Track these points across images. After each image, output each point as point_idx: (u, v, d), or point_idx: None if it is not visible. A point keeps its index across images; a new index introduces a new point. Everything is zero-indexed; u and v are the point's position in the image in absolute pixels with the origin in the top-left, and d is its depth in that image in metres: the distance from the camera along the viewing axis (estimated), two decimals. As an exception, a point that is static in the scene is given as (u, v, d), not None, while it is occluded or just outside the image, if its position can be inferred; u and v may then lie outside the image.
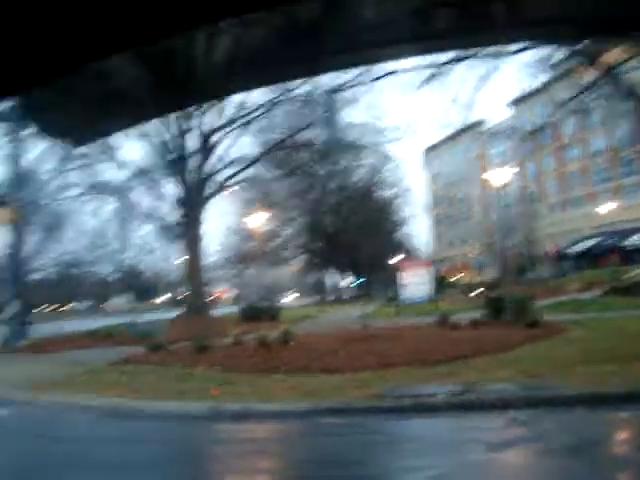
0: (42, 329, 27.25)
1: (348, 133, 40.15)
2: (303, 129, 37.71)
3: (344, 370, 12.42)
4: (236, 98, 33.74)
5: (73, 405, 11.14)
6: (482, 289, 46.35)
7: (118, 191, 38.13)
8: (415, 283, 33.15)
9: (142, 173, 37.04)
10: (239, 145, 42.08)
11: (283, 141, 37.92)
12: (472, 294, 45.78)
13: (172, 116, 33.44)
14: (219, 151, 36.52)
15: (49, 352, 19.85)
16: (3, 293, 24.78)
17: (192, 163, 35.61)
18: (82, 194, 38.06)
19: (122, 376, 13.55)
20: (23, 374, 14.66)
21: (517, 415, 8.50)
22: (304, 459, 7.63)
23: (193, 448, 8.73)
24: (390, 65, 21.01)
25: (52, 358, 18.20)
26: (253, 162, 39.04)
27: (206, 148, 35.16)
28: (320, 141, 44.18)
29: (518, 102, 63.28)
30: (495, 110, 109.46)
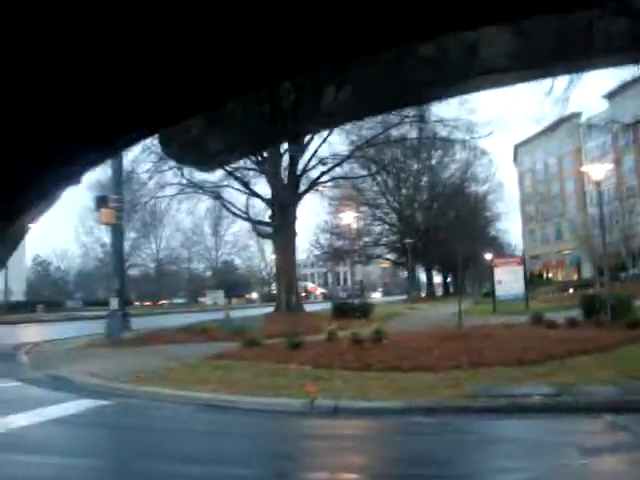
0: (140, 323, 28.18)
1: (440, 128, 39.71)
2: (395, 125, 37.60)
3: (437, 369, 12.35)
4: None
5: (170, 397, 11.48)
6: (577, 287, 45.19)
7: (212, 190, 38.97)
8: (508, 280, 32.64)
9: (236, 172, 37.76)
10: (330, 143, 42.41)
11: (375, 137, 37.87)
12: (567, 292, 44.69)
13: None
14: (311, 149, 36.82)
15: (148, 345, 20.48)
16: (106, 288, 25.76)
17: (282, 162, 36.04)
18: (178, 193, 39.01)
19: (217, 370, 13.84)
20: (123, 366, 15.20)
21: (616, 419, 8.27)
22: (396, 457, 7.65)
23: (286, 443, 8.88)
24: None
25: (150, 351, 18.76)
26: (345, 159, 39.22)
27: (298, 146, 35.49)
28: (412, 137, 43.98)
29: (614, 94, 61.25)
30: (589, 103, 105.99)
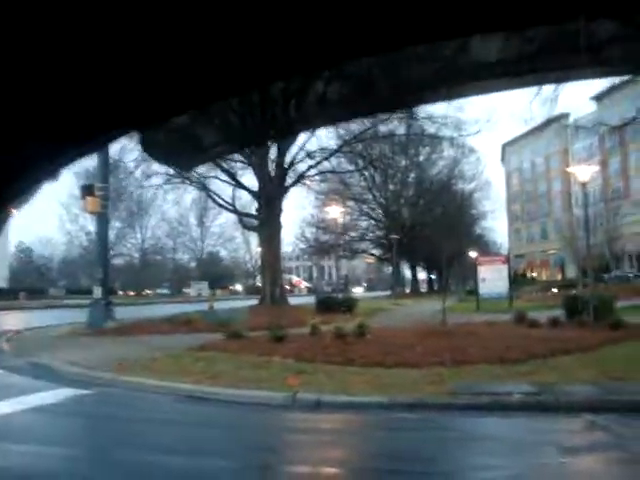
0: (124, 313, 28.09)
1: (428, 125, 39.74)
2: (383, 121, 37.61)
3: (420, 365, 12.38)
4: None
5: (152, 387, 11.45)
6: (561, 287, 45.45)
7: (199, 181, 38.87)
8: (493, 279, 32.80)
9: (222, 163, 37.68)
10: (319, 137, 42.36)
11: (363, 133, 37.88)
12: (551, 292, 44.95)
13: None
14: (299, 142, 36.79)
15: (130, 335, 20.43)
16: (90, 277, 25.71)
17: (270, 155, 35.98)
18: (164, 183, 38.86)
19: (200, 362, 13.82)
20: (105, 355, 15.15)
21: (595, 419, 8.32)
22: (377, 452, 7.67)
23: (268, 436, 8.87)
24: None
25: (132, 341, 18.72)
26: (333, 153, 39.22)
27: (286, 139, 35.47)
28: (400, 133, 44.04)
29: (603, 96, 61.56)
30: (577, 104, 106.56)
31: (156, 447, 7.43)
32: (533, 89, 22.95)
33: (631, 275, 58.14)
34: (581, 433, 8.08)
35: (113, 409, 10.46)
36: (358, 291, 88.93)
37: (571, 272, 69.21)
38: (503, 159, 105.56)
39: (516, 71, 1.19)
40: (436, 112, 37.26)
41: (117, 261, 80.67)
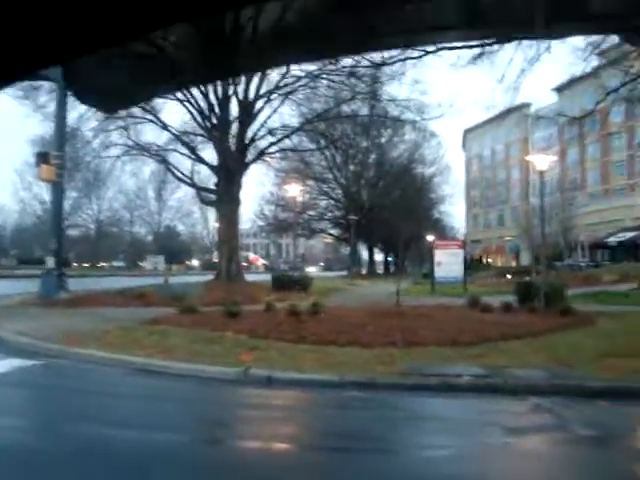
0: (77, 284, 27.76)
1: (391, 108, 39.75)
2: (346, 101, 37.58)
3: (372, 345, 12.46)
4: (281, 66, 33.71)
5: (104, 360, 11.36)
6: (515, 273, 46.12)
7: (158, 153, 38.45)
8: (449, 263, 33.13)
9: (183, 136, 37.32)
10: (281, 114, 42.14)
11: (326, 112, 37.78)
12: (505, 278, 45.58)
13: (216, 81, 33.59)
14: (260, 119, 36.59)
15: (83, 307, 20.23)
16: (43, 247, 25.31)
17: (232, 130, 35.72)
18: (123, 154, 38.32)
19: (153, 335, 13.74)
20: (56, 327, 14.96)
21: (541, 402, 8.49)
22: (327, 429, 7.71)
23: (219, 410, 8.88)
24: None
25: (85, 313, 18.54)
26: (294, 131, 39.06)
27: (248, 115, 35.22)
28: (363, 114, 44.03)
29: (563, 87, 62.33)
30: (539, 95, 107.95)
31: (106, 420, 7.37)
32: (496, 76, 23.18)
33: (583, 264, 59.32)
34: (526, 415, 8.22)
35: (63, 380, 10.35)
36: (314, 270, 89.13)
37: (525, 259, 70.33)
38: (464, 145, 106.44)
39: (473, 25, 1.19)
40: (399, 95, 37.31)
41: (72, 232, 79.71)
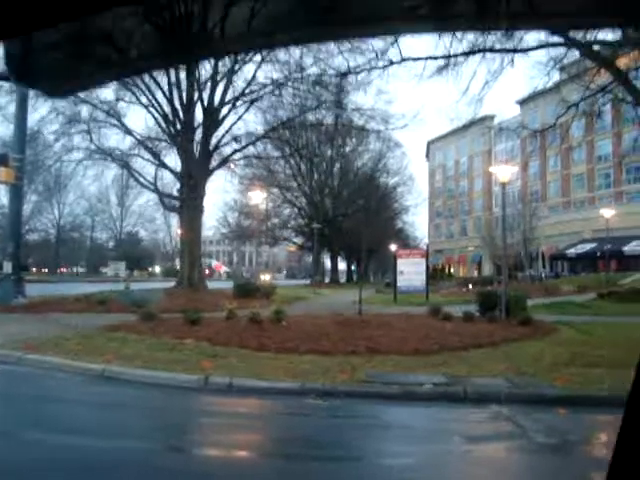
0: (36, 290, 27.33)
1: (356, 117, 39.95)
2: (311, 109, 37.61)
3: (334, 353, 12.48)
4: (247, 73, 33.66)
5: (62, 367, 11.18)
6: (477, 283, 46.51)
7: (121, 158, 38.08)
8: (411, 272, 33.27)
9: (146, 142, 37.02)
10: (245, 121, 42.01)
11: (291, 120, 37.77)
12: (467, 288, 45.93)
13: (181, 86, 33.44)
14: (225, 126, 36.46)
15: (41, 313, 19.92)
16: (1, 251, 24.85)
17: (195, 136, 35.54)
18: (85, 158, 37.85)
19: (112, 342, 13.57)
20: (13, 333, 14.69)
21: (501, 410, 8.56)
22: (287, 437, 7.69)
23: (179, 418, 8.78)
24: (405, 52, 20.85)
25: (43, 319, 18.26)
26: (259, 139, 38.96)
27: (212, 121, 35.07)
28: (328, 123, 44.12)
29: (527, 101, 63.28)
30: (503, 107, 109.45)
31: (65, 428, 7.24)
32: (461, 88, 23.40)
33: (543, 275, 60.12)
34: (486, 423, 8.29)
35: (19, 388, 10.16)
36: (280, 278, 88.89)
37: (487, 269, 71.02)
38: (428, 156, 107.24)
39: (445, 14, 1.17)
40: (365, 104, 37.52)
41: (32, 237, 78.57)
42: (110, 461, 5.96)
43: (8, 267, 23.39)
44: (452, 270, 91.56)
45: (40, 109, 30.16)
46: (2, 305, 21.48)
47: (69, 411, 8.42)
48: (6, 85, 26.78)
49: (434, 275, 58.16)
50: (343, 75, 27.01)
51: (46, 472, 5.55)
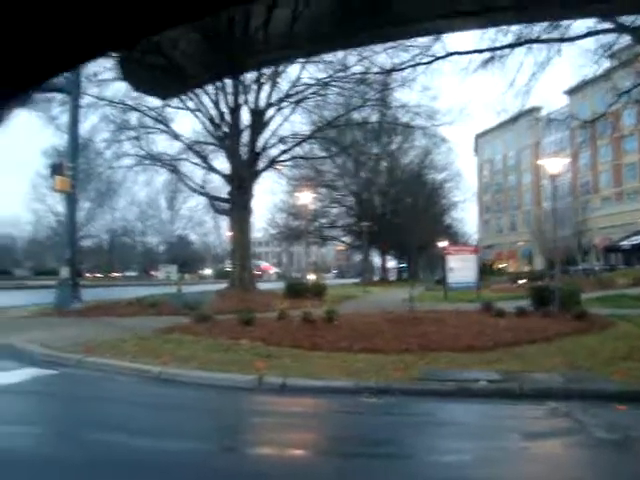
0: (90, 294, 27.88)
1: (402, 114, 39.75)
2: (356, 108, 37.60)
3: (387, 351, 12.47)
4: (292, 74, 33.80)
5: (119, 369, 11.38)
6: (528, 278, 45.92)
7: (170, 163, 38.60)
8: (461, 268, 33.00)
9: (193, 146, 37.44)
10: (291, 122, 42.14)
11: (336, 119, 37.81)
12: (518, 283, 45.38)
13: (227, 90, 33.73)
14: (271, 127, 36.68)
15: (97, 317, 20.35)
16: (57, 258, 25.44)
17: (243, 139, 35.80)
18: (135, 165, 38.48)
19: (167, 344, 13.77)
20: (71, 336, 15.03)
21: (558, 406, 8.45)
22: (342, 435, 7.70)
23: (234, 418, 8.87)
24: (449, 46, 20.70)
25: (99, 323, 18.63)
26: (305, 139, 39.08)
27: (259, 124, 35.31)
28: (373, 121, 44.02)
29: (575, 90, 62.16)
30: (550, 98, 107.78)
31: (122, 428, 7.38)
32: (507, 80, 23.12)
33: (597, 268, 59.00)
34: (543, 419, 8.18)
35: (78, 390, 10.41)
36: (330, 278, 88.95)
37: (539, 264, 70.03)
38: (476, 150, 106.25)
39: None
40: (410, 101, 37.30)
41: (86, 242, 79.99)
42: (167, 461, 6.07)
43: (65, 273, 23.94)
44: (503, 265, 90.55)
45: (91, 118, 30.75)
46: (60, 310, 22.02)
47: (127, 412, 8.57)
48: (59, 96, 27.37)
49: (484, 271, 57.60)
50: (387, 72, 26.95)
51: (106, 470, 5.69)
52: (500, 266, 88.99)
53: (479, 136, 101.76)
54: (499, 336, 14.09)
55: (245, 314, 16.77)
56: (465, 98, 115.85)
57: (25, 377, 10.64)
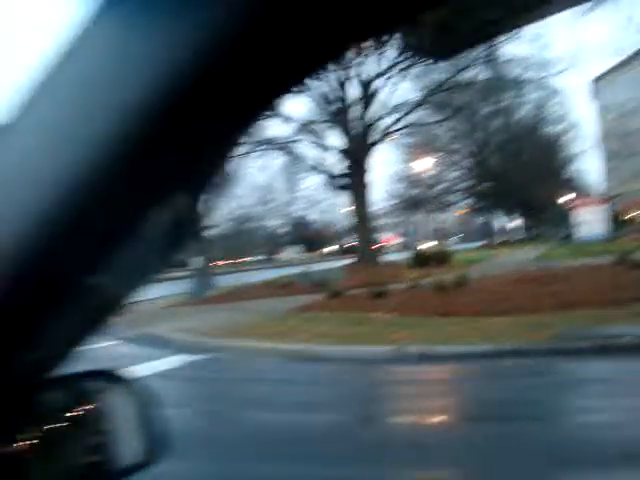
0: (222, 281, 28.88)
1: (510, 69, 38.62)
2: (464, 68, 36.84)
3: (521, 312, 12.35)
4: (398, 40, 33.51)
5: (261, 350, 11.83)
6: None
7: (284, 146, 39.09)
8: (589, 221, 31.99)
9: (306, 126, 37.73)
10: (400, 91, 41.78)
11: (444, 82, 37.21)
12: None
13: (332, 67, 33.79)
14: (380, 98, 36.50)
15: (232, 302, 21.06)
16: (188, 249, 26.45)
17: (354, 113, 35.81)
18: (249, 151, 39.17)
19: (304, 322, 14.16)
20: (211, 323, 15.71)
21: None
22: (481, 399, 7.75)
23: (375, 389, 9.09)
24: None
25: (235, 307, 19.28)
26: (415, 106, 38.65)
27: (367, 96, 35.24)
28: (482, 79, 43.06)
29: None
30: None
31: (272, 406, 7.77)
32: (622, 17, 21.95)
33: None
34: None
35: (231, 372, 10.94)
36: (453, 243, 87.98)
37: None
38: (593, 95, 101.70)
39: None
40: (519, 54, 36.19)
41: (211, 232, 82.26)
42: (316, 432, 6.37)
43: (199, 262, 24.92)
44: (632, 215, 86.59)
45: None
46: (197, 298, 22.98)
47: (273, 390, 8.94)
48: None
49: (615, 221, 55.43)
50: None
51: (258, 444, 6.05)
52: (629, 215, 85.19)
53: (596, 80, 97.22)
54: (638, 288, 13.61)
55: (376, 287, 16.97)
56: (579, 41, 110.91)
57: (182, 362, 11.30)
